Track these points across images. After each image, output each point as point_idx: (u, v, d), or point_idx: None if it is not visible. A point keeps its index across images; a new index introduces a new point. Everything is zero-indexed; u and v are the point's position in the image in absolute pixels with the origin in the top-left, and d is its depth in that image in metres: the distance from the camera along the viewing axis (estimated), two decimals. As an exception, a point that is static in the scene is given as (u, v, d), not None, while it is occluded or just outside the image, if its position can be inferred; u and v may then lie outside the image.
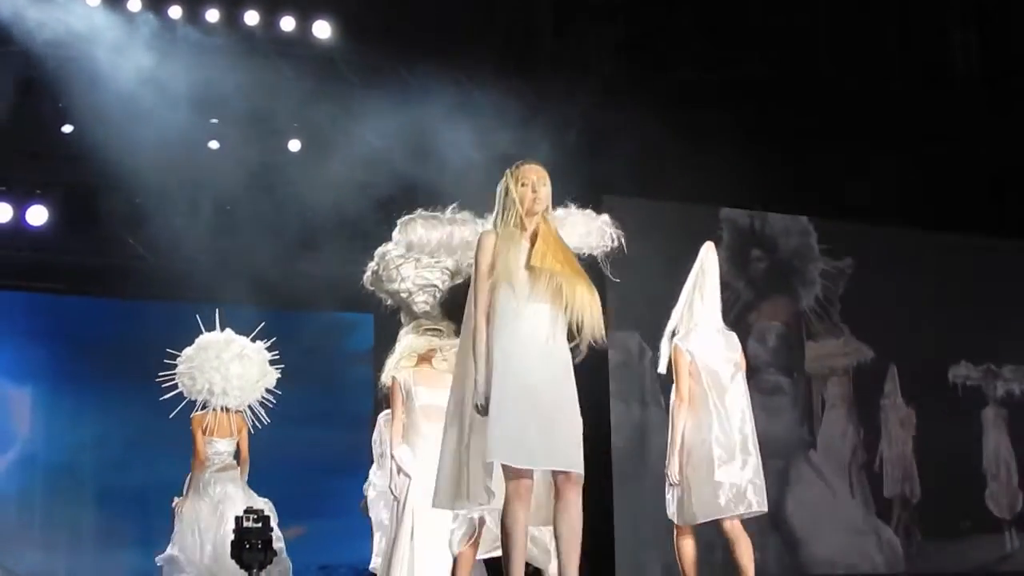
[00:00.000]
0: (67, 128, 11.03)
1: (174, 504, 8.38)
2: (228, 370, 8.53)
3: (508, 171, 5.53)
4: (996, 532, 13.10)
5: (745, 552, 6.51)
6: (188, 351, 8.67)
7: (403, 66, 11.25)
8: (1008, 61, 13.00)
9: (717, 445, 6.70)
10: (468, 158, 11.54)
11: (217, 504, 8.27)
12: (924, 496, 12.67)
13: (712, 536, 6.85)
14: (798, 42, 12.29)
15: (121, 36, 10.61)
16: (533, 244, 5.23)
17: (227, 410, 8.49)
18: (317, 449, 11.73)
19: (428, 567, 6.91)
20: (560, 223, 6.63)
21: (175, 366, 8.61)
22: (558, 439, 5.02)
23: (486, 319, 5.17)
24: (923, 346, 12.71)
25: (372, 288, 7.97)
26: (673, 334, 7.04)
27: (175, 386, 8.49)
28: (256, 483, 8.81)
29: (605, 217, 7.66)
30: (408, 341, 7.59)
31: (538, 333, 5.11)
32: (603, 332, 5.22)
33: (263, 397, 8.67)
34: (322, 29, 11.14)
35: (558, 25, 12.11)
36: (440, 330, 7.59)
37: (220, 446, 8.40)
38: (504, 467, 5.00)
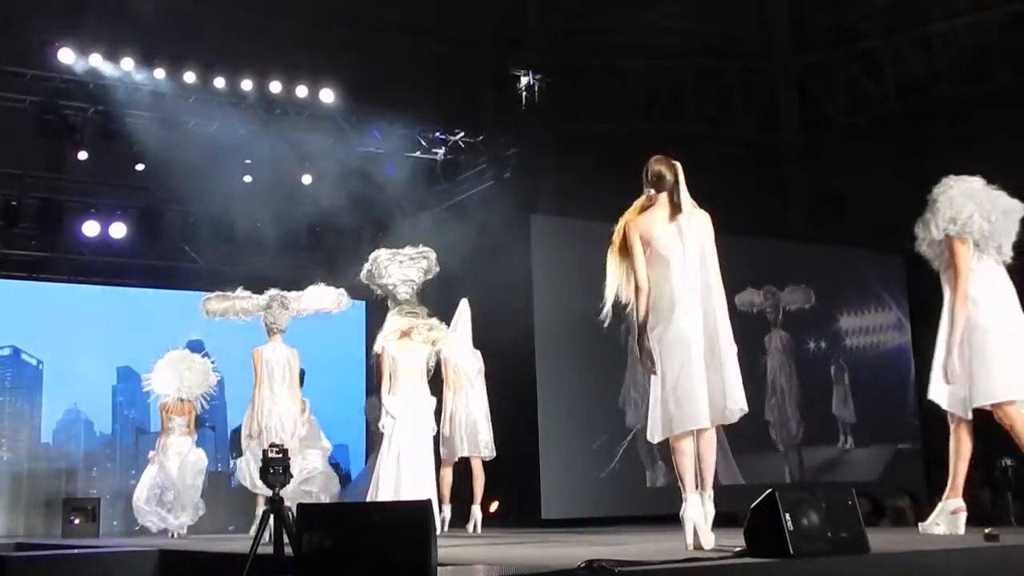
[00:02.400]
0: (140, 166, 10.98)
1: (149, 455, 9.43)
2: (183, 376, 9.30)
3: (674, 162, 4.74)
4: (776, 453, 12.04)
5: None
6: (160, 363, 9.44)
7: (384, 121, 11.34)
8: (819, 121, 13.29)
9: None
10: (431, 187, 11.82)
11: (177, 453, 9.14)
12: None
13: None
14: (670, 103, 12.54)
15: (179, 99, 10.62)
16: None
17: (183, 400, 9.31)
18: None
19: (412, 483, 7.17)
20: (310, 295, 8.40)
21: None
22: None
23: None
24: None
25: (367, 282, 8.09)
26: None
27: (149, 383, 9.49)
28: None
29: (342, 290, 8.57)
30: (393, 321, 7.71)
31: None
32: None
33: (206, 392, 9.51)
34: (326, 95, 10.99)
35: (498, 93, 12.32)
36: (416, 313, 7.72)
37: (178, 421, 9.25)
38: None
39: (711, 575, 3.77)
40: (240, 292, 8.23)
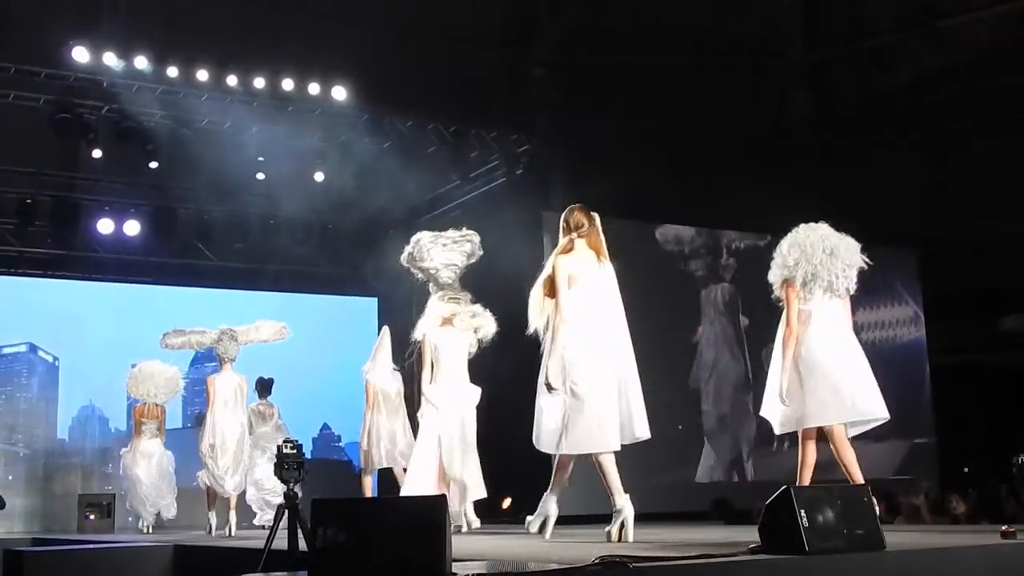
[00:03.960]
0: (153, 164, 10.95)
1: (122, 453, 10.01)
2: (157, 383, 9.89)
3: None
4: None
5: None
6: (133, 371, 10.01)
7: (397, 119, 11.31)
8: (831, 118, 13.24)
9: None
10: (443, 184, 11.81)
11: (147, 455, 9.70)
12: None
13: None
14: (678, 102, 12.45)
15: (192, 97, 10.55)
16: None
17: (156, 405, 9.92)
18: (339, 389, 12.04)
19: (454, 477, 7.05)
20: (256, 328, 9.20)
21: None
22: None
23: None
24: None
25: (407, 265, 7.73)
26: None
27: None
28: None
29: (283, 323, 9.52)
30: (435, 307, 7.43)
31: None
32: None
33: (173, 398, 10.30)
34: (339, 92, 10.86)
35: (510, 91, 12.34)
36: (459, 299, 7.45)
37: (149, 425, 9.82)
38: None
39: (726, 572, 3.74)
40: (194, 327, 9.31)
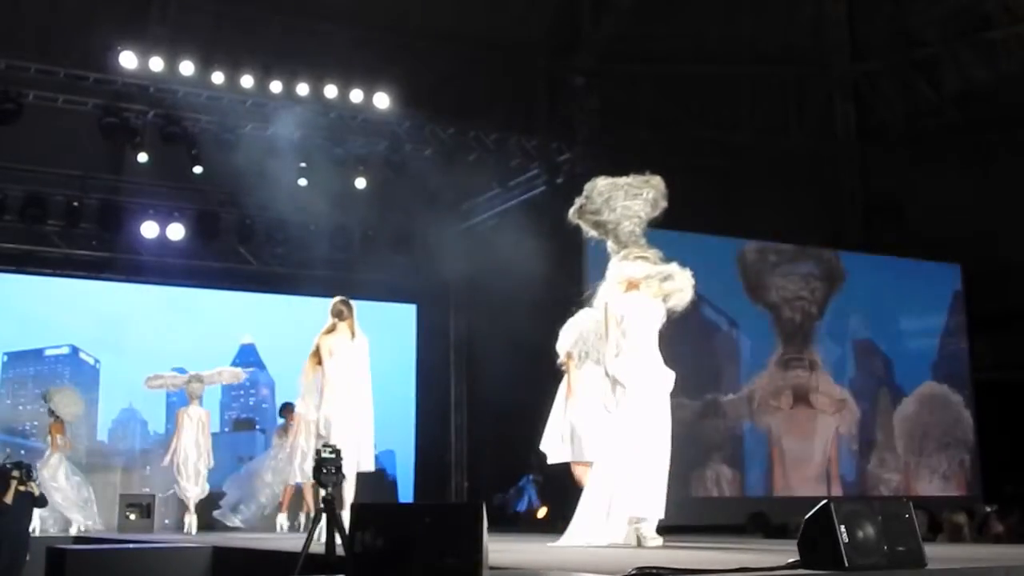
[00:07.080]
0: (197, 169, 11.05)
1: (38, 465, 10.22)
2: (80, 406, 10.68)
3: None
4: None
5: None
6: (65, 392, 10.63)
7: (438, 126, 11.35)
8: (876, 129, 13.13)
9: None
10: (484, 192, 11.83)
11: (56, 467, 10.34)
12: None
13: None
14: (721, 111, 12.43)
15: (236, 102, 10.68)
16: None
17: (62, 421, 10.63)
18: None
19: (654, 450, 5.77)
20: (218, 373, 10.61)
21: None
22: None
23: None
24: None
25: (577, 220, 6.42)
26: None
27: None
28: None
29: (239, 369, 10.95)
30: (620, 268, 6.09)
31: None
32: None
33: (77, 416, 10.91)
34: (381, 99, 10.96)
35: (551, 99, 12.35)
36: (647, 257, 6.10)
37: (60, 438, 10.42)
38: None
39: (764, 586, 3.71)
40: (168, 371, 10.90)
